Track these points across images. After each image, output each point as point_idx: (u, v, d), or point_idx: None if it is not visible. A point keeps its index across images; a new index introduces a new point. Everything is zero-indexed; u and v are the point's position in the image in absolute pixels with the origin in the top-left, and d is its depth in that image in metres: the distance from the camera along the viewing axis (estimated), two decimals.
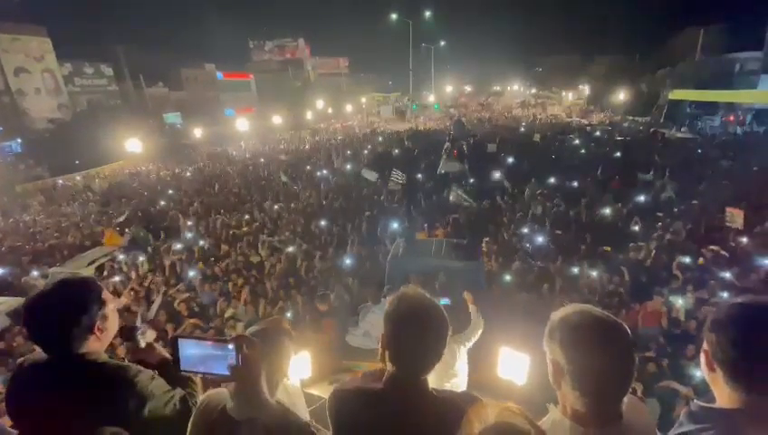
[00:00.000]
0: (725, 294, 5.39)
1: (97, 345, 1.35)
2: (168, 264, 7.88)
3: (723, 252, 6.90)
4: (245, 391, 1.06)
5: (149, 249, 9.19)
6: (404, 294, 1.24)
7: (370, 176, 13.54)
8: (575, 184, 12.01)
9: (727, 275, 6.08)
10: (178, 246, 8.93)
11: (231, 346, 1.03)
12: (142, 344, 1.52)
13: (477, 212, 10.15)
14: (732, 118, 25.16)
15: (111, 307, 1.40)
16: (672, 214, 9.08)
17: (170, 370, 1.47)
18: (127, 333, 1.53)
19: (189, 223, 10.70)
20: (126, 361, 1.50)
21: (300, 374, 2.61)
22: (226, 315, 5.84)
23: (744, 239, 7.41)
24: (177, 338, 1.11)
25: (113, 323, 1.41)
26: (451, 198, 10.71)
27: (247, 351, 1.03)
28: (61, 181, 21.68)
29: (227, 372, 1.03)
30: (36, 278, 7.96)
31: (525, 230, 8.55)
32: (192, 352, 1.09)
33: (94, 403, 1.25)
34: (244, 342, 1.04)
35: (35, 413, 1.28)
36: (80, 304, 1.30)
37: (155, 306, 5.90)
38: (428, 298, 1.25)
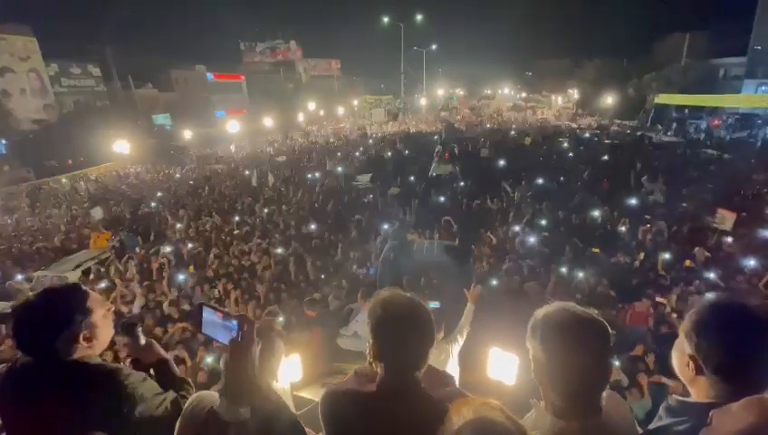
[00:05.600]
0: (710, 295, 5.49)
1: (88, 352, 1.33)
2: (156, 267, 7.79)
3: (707, 254, 7.04)
4: (240, 372, 1.12)
5: (137, 250, 9.09)
6: (384, 298, 1.23)
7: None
8: (565, 186, 12.16)
9: (712, 275, 6.20)
10: (168, 248, 8.83)
11: (234, 322, 1.20)
12: (142, 341, 1.50)
13: (469, 214, 10.22)
14: (717, 122, 25.72)
15: (101, 314, 1.37)
16: (658, 216, 9.24)
17: (166, 370, 1.47)
18: (127, 328, 1.50)
19: (179, 225, 10.60)
20: (125, 357, 1.49)
21: (290, 377, 2.60)
22: None
23: (729, 240, 7.56)
24: (203, 305, 1.34)
25: (104, 330, 1.38)
26: None
27: (246, 328, 1.16)
28: (53, 183, 21.27)
29: (227, 343, 1.17)
30: (21, 283, 7.81)
31: (516, 229, 8.64)
32: (209, 318, 1.30)
33: (81, 406, 1.24)
34: (245, 320, 1.18)
35: (21, 416, 1.28)
36: (61, 316, 1.28)
37: (137, 303, 5.84)
38: (409, 298, 1.24)
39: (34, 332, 1.27)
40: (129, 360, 1.54)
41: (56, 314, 1.29)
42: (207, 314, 1.31)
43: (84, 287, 1.41)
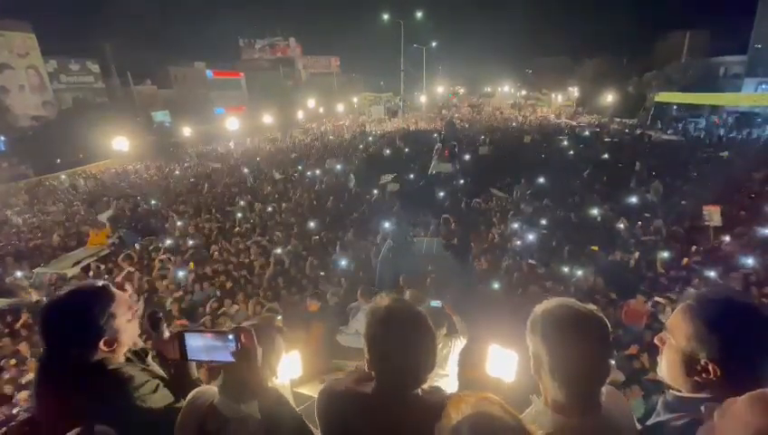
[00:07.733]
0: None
1: (109, 355, 1.33)
2: (156, 263, 7.79)
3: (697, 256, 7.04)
4: (245, 375, 1.14)
5: (137, 246, 9.09)
6: (385, 313, 1.18)
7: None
8: (565, 185, 12.15)
9: (712, 274, 6.20)
10: (168, 241, 8.85)
11: (231, 336, 1.16)
12: (166, 335, 1.48)
13: (468, 211, 10.22)
14: (717, 120, 25.71)
15: (125, 318, 1.36)
16: (656, 214, 9.25)
17: (185, 369, 1.46)
18: (153, 321, 1.49)
19: (179, 223, 10.58)
20: (149, 348, 1.51)
21: (290, 374, 2.61)
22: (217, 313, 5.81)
23: (727, 238, 7.56)
24: (183, 333, 1.25)
25: (126, 334, 1.37)
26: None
27: (244, 339, 1.14)
28: (52, 180, 21.18)
29: (230, 359, 1.15)
30: (21, 279, 7.82)
31: (515, 226, 8.64)
32: (196, 343, 1.22)
33: (85, 412, 1.23)
34: (242, 331, 1.16)
35: (42, 408, 1.33)
36: (83, 321, 1.28)
37: (140, 304, 5.80)
38: (413, 316, 1.18)
39: (55, 333, 1.28)
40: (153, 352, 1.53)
41: (78, 317, 1.27)
42: (192, 339, 1.21)
43: (112, 289, 1.38)
